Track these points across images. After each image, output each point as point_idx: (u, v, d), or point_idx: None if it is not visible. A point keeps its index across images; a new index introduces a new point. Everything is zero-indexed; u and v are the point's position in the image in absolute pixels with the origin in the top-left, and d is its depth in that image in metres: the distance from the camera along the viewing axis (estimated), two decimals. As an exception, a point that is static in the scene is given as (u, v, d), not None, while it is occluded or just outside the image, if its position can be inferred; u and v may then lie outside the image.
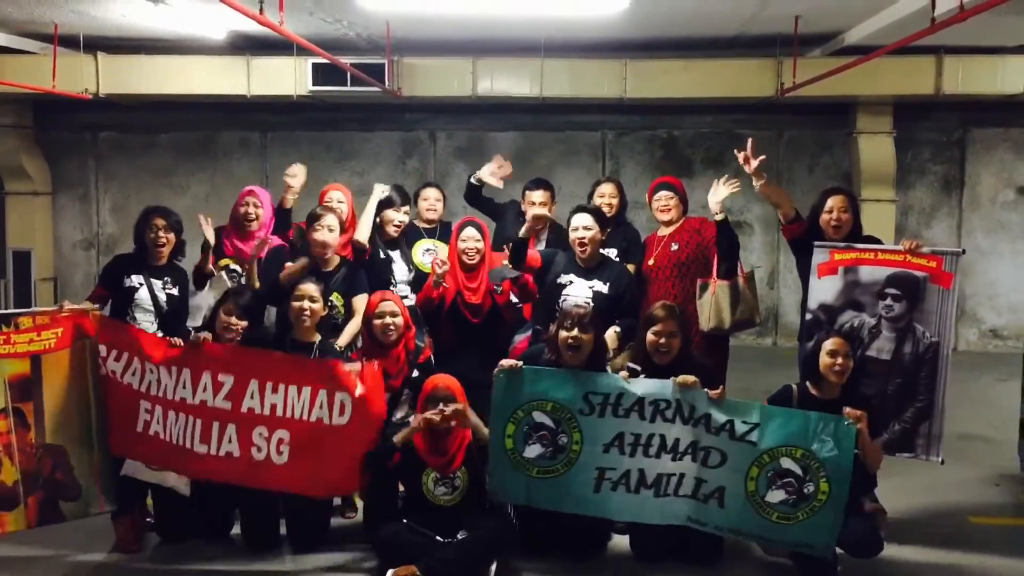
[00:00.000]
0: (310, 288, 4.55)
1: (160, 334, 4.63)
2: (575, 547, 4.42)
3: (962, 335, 10.02)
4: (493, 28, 7.77)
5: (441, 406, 4.20)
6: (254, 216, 5.12)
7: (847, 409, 4.06)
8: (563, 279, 5.00)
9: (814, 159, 10.22)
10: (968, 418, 6.68)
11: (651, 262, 5.20)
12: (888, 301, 4.58)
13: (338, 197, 5.26)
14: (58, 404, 4.37)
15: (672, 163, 10.13)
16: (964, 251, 4.68)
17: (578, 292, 4.95)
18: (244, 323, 4.50)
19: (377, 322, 4.58)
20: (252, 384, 4.28)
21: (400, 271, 5.33)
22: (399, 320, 4.60)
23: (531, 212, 5.18)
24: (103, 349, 4.43)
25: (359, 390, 4.19)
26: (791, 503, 4.04)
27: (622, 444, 4.21)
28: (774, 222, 10.24)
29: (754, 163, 4.88)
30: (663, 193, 5.26)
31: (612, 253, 5.40)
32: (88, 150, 10.50)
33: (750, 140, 4.98)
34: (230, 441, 4.31)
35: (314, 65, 8.45)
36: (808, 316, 4.74)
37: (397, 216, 5.33)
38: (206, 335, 4.46)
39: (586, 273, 4.98)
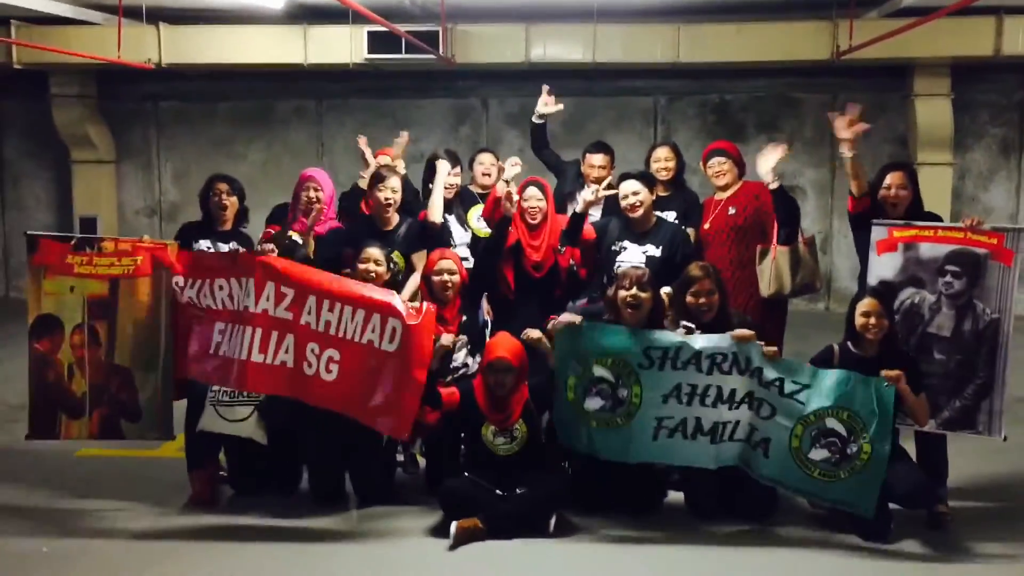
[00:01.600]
0: (375, 252, 4.71)
1: None
2: (631, 503, 4.54)
3: (1021, 300, 9.91)
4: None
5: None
6: (316, 199, 5.12)
7: (884, 371, 4.13)
8: (616, 246, 5.07)
9: (869, 122, 10.03)
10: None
11: (707, 226, 5.23)
12: (948, 278, 4.53)
13: (386, 161, 5.43)
14: (130, 328, 4.62)
15: (725, 128, 10.09)
16: None
17: (631, 258, 5.01)
18: None
19: (436, 279, 4.78)
20: (310, 300, 4.37)
21: (457, 233, 5.47)
22: (456, 278, 4.80)
23: (585, 194, 5.16)
24: (180, 279, 4.58)
25: (412, 320, 4.29)
26: (833, 462, 4.15)
27: (679, 394, 4.32)
28: (828, 187, 10.20)
29: (852, 131, 4.75)
30: (716, 159, 5.28)
31: (671, 216, 5.46)
32: (150, 119, 10.77)
33: (859, 106, 4.83)
34: (287, 351, 4.39)
35: (370, 33, 8.58)
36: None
37: (448, 179, 5.40)
38: (271, 247, 4.60)
39: (639, 238, 5.05)
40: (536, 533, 4.26)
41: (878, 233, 4.65)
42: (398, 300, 4.38)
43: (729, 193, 5.23)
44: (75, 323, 4.62)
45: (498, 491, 4.35)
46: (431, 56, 8.43)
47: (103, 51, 8.29)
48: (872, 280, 4.68)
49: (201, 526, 4.46)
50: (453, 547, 4.14)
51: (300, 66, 9.09)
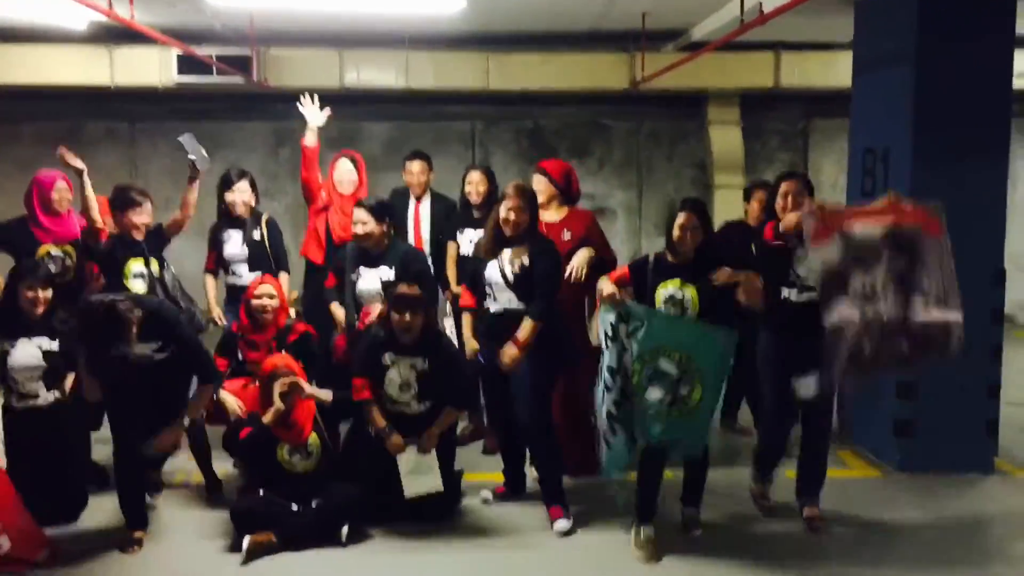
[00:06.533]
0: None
1: None
2: (427, 513, 4.68)
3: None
4: (356, 22, 7.98)
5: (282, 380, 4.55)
6: (66, 198, 5.40)
7: (713, 275, 4.28)
8: (354, 275, 5.18)
9: (672, 148, 10.78)
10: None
11: None
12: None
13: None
14: None
15: (538, 152, 10.49)
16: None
17: (368, 284, 5.15)
18: (49, 292, 4.61)
19: (255, 302, 5.00)
20: None
21: (235, 248, 5.67)
22: (275, 302, 5.02)
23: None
24: None
25: None
26: (667, 403, 4.20)
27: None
28: (636, 208, 10.80)
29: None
30: (535, 175, 5.37)
31: None
32: (-53, 141, 10.24)
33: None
34: None
35: (179, 56, 8.48)
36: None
37: (231, 196, 5.71)
38: None
39: (372, 261, 5.16)
40: (329, 543, 4.38)
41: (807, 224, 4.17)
42: None
43: (561, 216, 5.33)
44: None
45: (294, 505, 4.46)
46: (243, 80, 8.45)
47: None
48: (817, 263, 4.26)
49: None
50: (245, 561, 4.22)
51: (107, 88, 8.90)
